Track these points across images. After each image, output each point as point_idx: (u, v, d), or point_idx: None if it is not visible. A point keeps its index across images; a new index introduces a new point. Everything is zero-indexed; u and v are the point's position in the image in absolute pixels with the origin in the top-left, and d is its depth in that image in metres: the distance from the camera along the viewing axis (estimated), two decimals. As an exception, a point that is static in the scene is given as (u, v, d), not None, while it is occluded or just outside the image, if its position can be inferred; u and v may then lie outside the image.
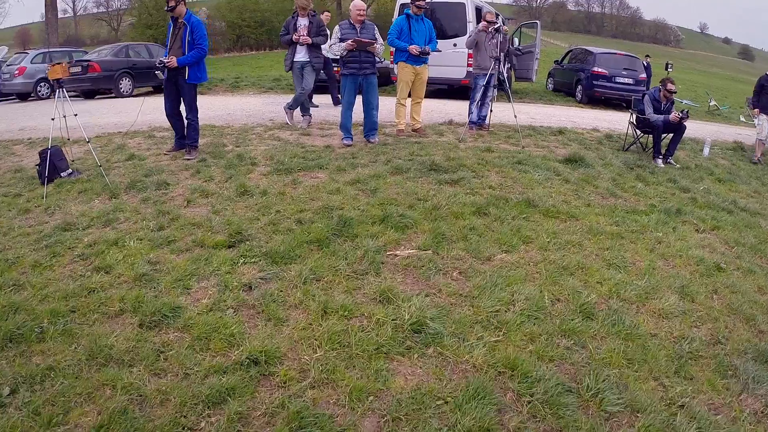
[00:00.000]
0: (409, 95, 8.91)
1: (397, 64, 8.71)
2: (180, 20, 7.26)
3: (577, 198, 6.19)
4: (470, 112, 9.95)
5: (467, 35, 14.88)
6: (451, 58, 15.05)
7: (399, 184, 6.03)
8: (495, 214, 5.33)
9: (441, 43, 15.04)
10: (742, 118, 19.73)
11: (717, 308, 4.15)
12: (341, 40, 7.70)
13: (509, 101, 10.06)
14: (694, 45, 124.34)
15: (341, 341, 3.30)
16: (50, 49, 20.44)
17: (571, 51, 22.69)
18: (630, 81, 17.88)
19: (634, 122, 9.48)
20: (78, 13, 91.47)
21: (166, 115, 7.71)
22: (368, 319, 3.52)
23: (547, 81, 22.87)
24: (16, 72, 17.94)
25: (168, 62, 7.18)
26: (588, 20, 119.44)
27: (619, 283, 4.21)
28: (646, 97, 9.04)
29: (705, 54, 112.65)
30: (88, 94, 17.27)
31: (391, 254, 4.43)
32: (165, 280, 4.00)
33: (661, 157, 8.71)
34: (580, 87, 18.84)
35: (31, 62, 18.31)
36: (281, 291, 3.86)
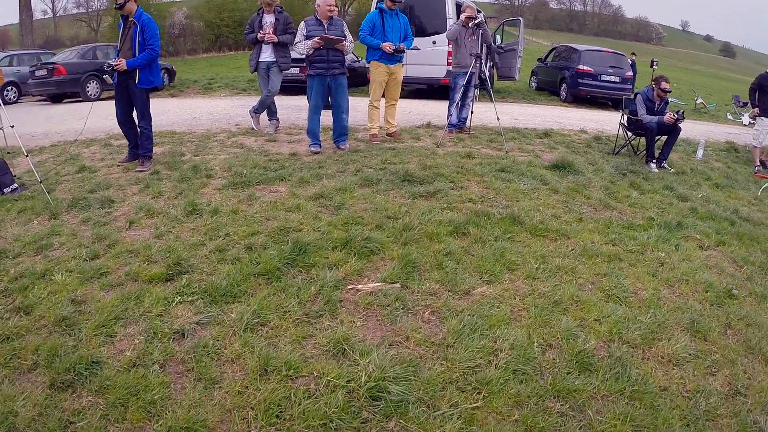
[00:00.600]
0: (384, 97, 8.26)
1: (369, 63, 8.05)
2: (130, 18, 6.58)
3: (568, 211, 5.57)
4: (449, 114, 9.31)
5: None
6: (430, 57, 14.42)
7: (368, 199, 5.38)
8: (475, 234, 4.69)
9: (419, 41, 14.42)
10: (729, 116, 19.31)
11: (733, 347, 3.55)
12: (307, 37, 7.04)
13: (491, 101, 9.43)
14: (675, 43, 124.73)
15: (282, 412, 2.65)
16: (16, 52, 19.56)
17: (555, 48, 22.12)
18: (616, 79, 17.36)
19: (626, 124, 8.89)
20: (57, 14, 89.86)
21: (118, 123, 7.03)
22: (317, 380, 2.86)
23: (530, 79, 22.30)
24: (-19, 74, 17.08)
25: (116, 65, 6.49)
26: (570, 18, 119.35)
27: (621, 320, 3.58)
28: (639, 96, 8.45)
29: (687, 51, 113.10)
30: (56, 99, 16.50)
31: (351, 289, 3.77)
32: (87, 325, 3.35)
33: (654, 161, 8.13)
34: (564, 85, 18.30)
35: (-2, 65, 17.45)
36: (217, 340, 3.20)
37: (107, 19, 36.02)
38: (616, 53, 18.80)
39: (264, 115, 9.02)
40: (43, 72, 15.79)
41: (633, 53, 22.86)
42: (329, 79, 7.19)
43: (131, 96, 6.72)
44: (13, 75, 17.31)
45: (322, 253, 4.18)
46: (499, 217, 5.09)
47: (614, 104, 17.44)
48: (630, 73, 17.89)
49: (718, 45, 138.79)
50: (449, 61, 14.54)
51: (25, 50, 20.84)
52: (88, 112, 8.35)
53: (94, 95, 16.18)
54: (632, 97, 8.94)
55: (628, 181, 7.09)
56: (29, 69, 16.60)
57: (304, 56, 7.23)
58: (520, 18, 18.83)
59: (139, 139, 6.94)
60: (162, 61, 22.64)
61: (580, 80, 17.49)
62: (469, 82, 8.93)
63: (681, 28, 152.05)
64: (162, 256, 4.21)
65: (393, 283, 3.83)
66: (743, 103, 19.10)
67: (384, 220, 4.85)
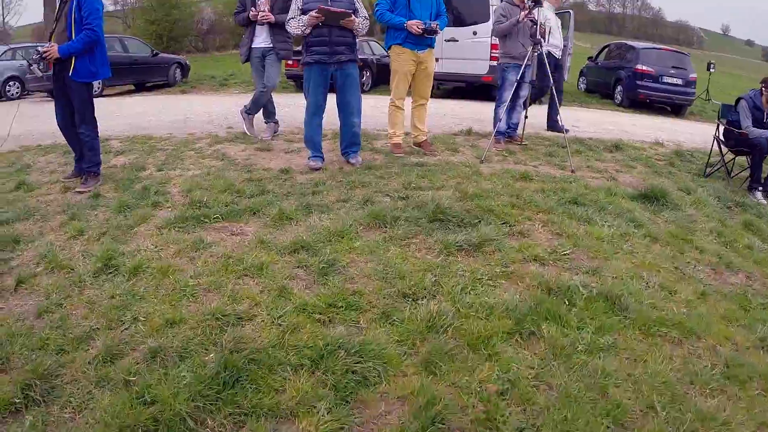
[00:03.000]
0: (410, 94, 6.37)
1: (390, 49, 6.17)
2: (65, -10, 4.88)
3: (681, 278, 3.63)
4: (497, 119, 7.31)
5: (489, 21, 12.34)
6: (470, 50, 12.50)
7: (375, 252, 3.51)
8: (552, 338, 2.76)
9: (458, 32, 12.65)
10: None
11: None
12: (303, 11, 5.20)
13: (554, 105, 7.47)
14: (716, 47, 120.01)
15: None
16: (16, 45, 18.12)
17: (607, 47, 19.83)
18: (679, 81, 15.07)
19: (722, 137, 6.84)
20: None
21: (59, 128, 5.30)
22: None
23: (578, 80, 20.06)
24: (-18, 69, 15.68)
25: (46, 52, 4.78)
26: (609, 21, 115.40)
27: None
28: (742, 103, 6.42)
29: (728, 56, 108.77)
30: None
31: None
32: None
33: (761, 189, 6.10)
34: (620, 88, 16.04)
35: (-1, 59, 16.00)
36: None
37: (141, 17, 34.79)
38: (678, 52, 16.55)
39: (260, 117, 7.21)
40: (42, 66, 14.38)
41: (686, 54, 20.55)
42: (333, 68, 5.33)
43: (68, 92, 4.99)
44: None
45: (273, 380, 2.35)
46: (587, 297, 3.15)
47: (674, 110, 15.24)
48: (694, 75, 15.62)
49: (760, 50, 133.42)
50: (493, 55, 12.65)
51: (26, 44, 19.37)
52: (14, 113, 6.57)
53: (95, 91, 14.53)
54: (733, 103, 6.89)
55: (741, 221, 5.07)
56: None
57: (298, 35, 5.38)
58: (570, 11, 16.62)
59: (82, 150, 5.21)
60: (184, 56, 21.40)
61: (638, 82, 15.19)
62: (522, 77, 6.95)
63: (722, 33, 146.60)
64: (19, 362, 2.44)
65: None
66: None
67: (396, 301, 2.98)
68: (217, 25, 41.82)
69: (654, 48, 16.59)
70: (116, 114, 9.58)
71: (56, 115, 5.21)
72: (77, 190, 4.97)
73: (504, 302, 3.03)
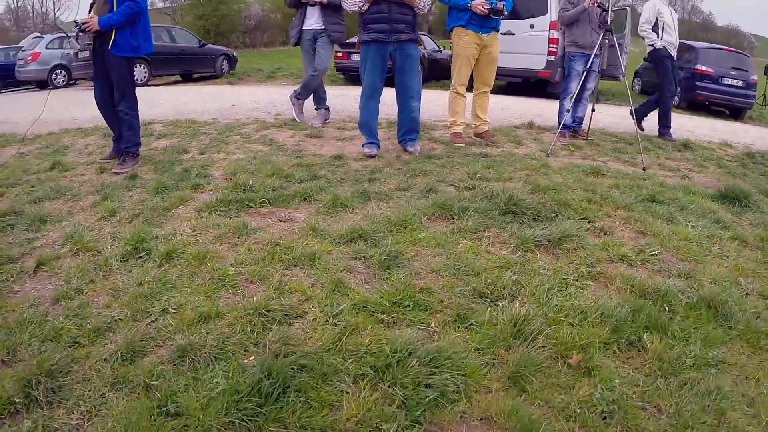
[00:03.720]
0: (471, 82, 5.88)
1: (451, 31, 5.68)
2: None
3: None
4: (562, 111, 6.76)
5: (548, 14, 11.76)
6: (526, 44, 11.92)
7: (443, 246, 3.03)
8: (656, 349, 2.24)
9: (514, 25, 12.05)
10: None
11: None
12: (361, -14, 4.77)
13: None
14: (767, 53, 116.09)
15: None
16: (64, 34, 18.19)
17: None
18: (739, 83, 14.13)
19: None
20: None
21: (97, 106, 4.99)
22: None
23: (632, 81, 19.16)
24: (29, 58, 15.81)
25: (85, 24, 4.47)
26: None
27: None
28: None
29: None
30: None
31: None
32: None
33: None
34: (677, 89, 15.15)
35: (46, 47, 16.07)
36: None
37: (190, 12, 35.10)
38: (739, 52, 15.57)
39: (310, 103, 6.79)
40: (86, 54, 14.34)
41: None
42: (392, 47, 4.86)
43: (108, 67, 4.65)
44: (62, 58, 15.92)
45: (327, 393, 1.88)
46: (687, 304, 2.62)
47: (732, 113, 14.36)
48: (755, 77, 14.67)
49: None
50: (551, 49, 12.08)
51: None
52: (45, 99, 6.27)
53: (141, 80, 14.35)
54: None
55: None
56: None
57: (354, 11, 4.93)
58: (627, 7, 15.81)
59: (121, 129, 4.86)
60: (230, 48, 21.23)
61: (697, 83, 14.30)
62: (590, 68, 6.38)
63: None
64: (26, 353, 2.05)
65: None
66: None
67: (471, 301, 2.50)
68: (264, 21, 41.92)
69: (713, 48, 15.65)
70: (161, 101, 9.30)
71: (95, 92, 4.92)
72: (114, 170, 4.63)
73: (597, 306, 2.52)
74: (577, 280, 2.81)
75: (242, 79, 16.30)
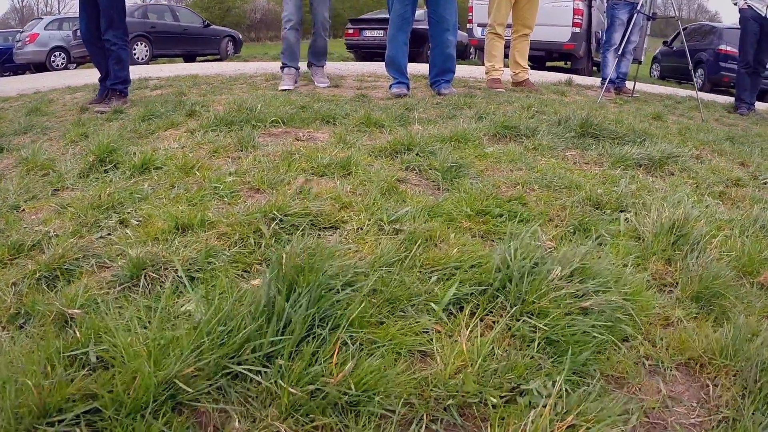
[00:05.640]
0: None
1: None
2: None
3: None
4: (605, 64, 5.97)
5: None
6: (550, 15, 11.04)
7: (519, 161, 2.21)
8: None
9: (538, -6, 11.24)
10: None
11: None
12: None
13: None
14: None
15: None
16: (65, 15, 17.52)
17: (684, 29, 17.98)
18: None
19: None
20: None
21: (83, 42, 4.29)
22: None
23: (651, 67, 18.22)
24: (27, 39, 15.06)
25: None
26: (665, 23, 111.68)
27: None
28: None
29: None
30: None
31: None
32: None
33: None
34: (700, 71, 14.27)
35: (45, 29, 15.36)
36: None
37: (195, 6, 34.68)
38: (763, 33, 14.66)
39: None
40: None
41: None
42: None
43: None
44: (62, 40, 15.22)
45: (403, 331, 1.03)
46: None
47: (758, 96, 13.47)
48: (780, 58, 13.74)
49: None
50: (576, 21, 11.28)
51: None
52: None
53: (142, 59, 13.61)
54: None
55: None
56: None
57: None
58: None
59: (107, 63, 4.09)
60: (232, 26, 20.40)
61: (722, 64, 13.42)
62: (633, 19, 5.54)
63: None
64: None
65: None
66: None
67: (586, 212, 1.68)
68: (269, 14, 41.27)
69: (738, 28, 14.78)
70: (161, 70, 8.52)
71: (80, 27, 4.16)
72: (97, 109, 3.87)
73: (754, 218, 1.74)
74: (706, 196, 2.04)
75: (248, 60, 15.52)
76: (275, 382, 0.84)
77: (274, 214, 1.44)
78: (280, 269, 1.01)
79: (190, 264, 1.24)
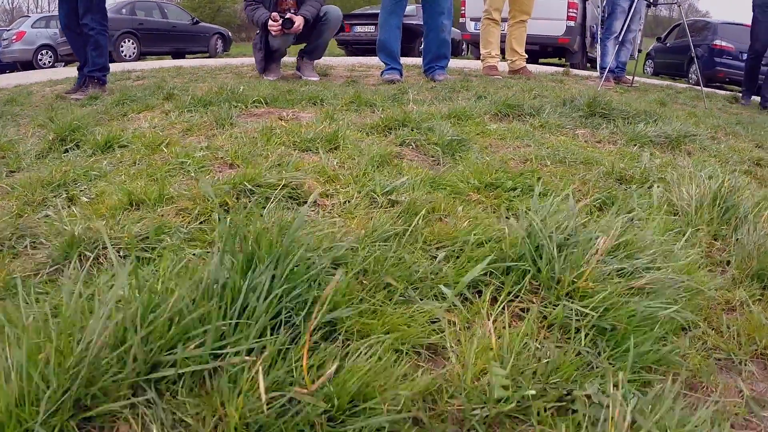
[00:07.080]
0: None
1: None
2: None
3: None
4: (605, 53, 5.77)
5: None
6: (544, 8, 10.82)
7: (525, 138, 2.00)
8: None
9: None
10: None
11: None
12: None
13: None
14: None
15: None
16: (53, 14, 17.25)
17: (678, 25, 17.84)
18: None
19: None
20: None
21: (62, 29, 4.18)
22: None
23: (644, 64, 18.02)
24: (14, 37, 14.78)
25: None
26: (656, 23, 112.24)
27: None
28: None
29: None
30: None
31: None
32: None
33: None
34: (694, 66, 14.09)
35: (32, 26, 15.08)
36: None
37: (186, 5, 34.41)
38: (759, 28, 14.51)
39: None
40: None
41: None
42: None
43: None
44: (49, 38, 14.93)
45: (403, 317, 0.81)
46: None
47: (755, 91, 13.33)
48: (776, 52, 13.57)
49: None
50: (570, 14, 11.10)
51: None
52: None
53: (130, 56, 13.26)
54: None
55: None
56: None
57: None
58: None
59: (86, 49, 3.86)
60: (222, 26, 20.08)
61: (716, 59, 13.23)
62: (633, 5, 5.32)
63: None
64: None
65: None
66: None
67: (610, 186, 1.47)
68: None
69: (732, 23, 14.62)
70: (146, 66, 8.29)
71: (59, 16, 3.91)
72: (73, 97, 3.64)
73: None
74: (736, 173, 1.84)
75: (237, 57, 15.30)
76: (220, 393, 0.61)
77: (244, 185, 1.22)
78: (234, 237, 0.78)
79: (138, 242, 1.01)
